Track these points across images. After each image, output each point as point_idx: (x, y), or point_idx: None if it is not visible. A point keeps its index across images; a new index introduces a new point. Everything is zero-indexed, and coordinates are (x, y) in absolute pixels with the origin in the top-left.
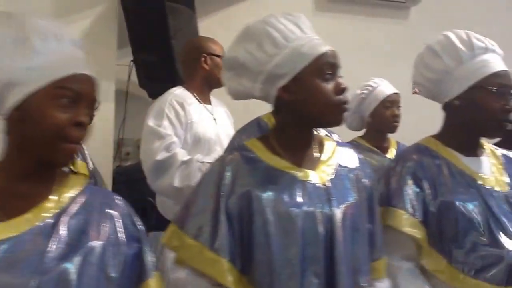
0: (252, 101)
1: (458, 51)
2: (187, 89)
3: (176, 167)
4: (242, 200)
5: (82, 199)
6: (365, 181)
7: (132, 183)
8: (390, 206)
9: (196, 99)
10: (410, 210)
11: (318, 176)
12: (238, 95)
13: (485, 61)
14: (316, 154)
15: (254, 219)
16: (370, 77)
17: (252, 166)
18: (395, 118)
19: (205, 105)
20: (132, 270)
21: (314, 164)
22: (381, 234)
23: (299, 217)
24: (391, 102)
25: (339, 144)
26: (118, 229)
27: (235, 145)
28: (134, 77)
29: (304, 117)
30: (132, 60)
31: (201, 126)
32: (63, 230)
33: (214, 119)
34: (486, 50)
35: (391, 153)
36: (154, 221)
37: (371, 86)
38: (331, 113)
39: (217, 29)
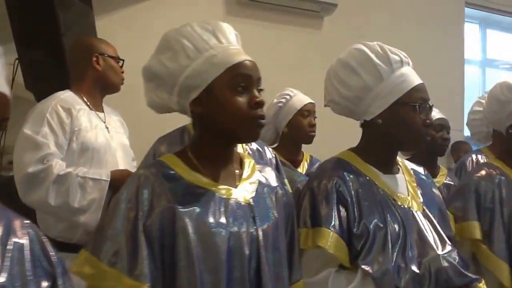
0: None
1: (377, 67)
2: (76, 93)
3: (50, 182)
4: (164, 219)
5: None
6: (285, 199)
7: (14, 196)
8: (316, 225)
9: (86, 105)
10: (337, 229)
11: (241, 194)
12: (158, 108)
13: (404, 75)
14: (236, 171)
15: (177, 240)
16: (282, 85)
17: (171, 183)
18: (313, 127)
19: (97, 112)
20: None
21: (235, 181)
22: (298, 255)
23: (225, 238)
24: (308, 111)
25: (256, 161)
26: (26, 262)
27: (151, 160)
28: (19, 78)
29: (217, 131)
30: (17, 58)
31: (91, 134)
32: None
33: (107, 127)
34: (402, 63)
35: (303, 167)
36: None
37: (288, 95)
38: (244, 127)
39: (117, 28)
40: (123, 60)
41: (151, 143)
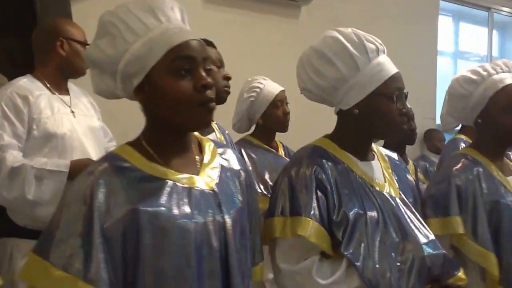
0: None
1: (354, 58)
2: (38, 77)
3: (4, 174)
4: (126, 221)
5: None
6: (248, 181)
7: None
8: (295, 214)
9: (49, 89)
10: (317, 218)
11: (204, 181)
12: (106, 95)
13: (380, 65)
14: (196, 157)
15: (142, 238)
16: (257, 74)
17: (127, 178)
18: (287, 116)
19: (61, 96)
20: None
21: (196, 168)
22: (259, 237)
23: (191, 230)
24: (280, 101)
25: (216, 144)
26: None
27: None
28: None
29: (164, 120)
30: None
31: (53, 120)
32: None
33: (72, 112)
34: (378, 52)
35: (281, 153)
36: (1, 225)
37: (258, 87)
38: (191, 114)
39: (92, 13)
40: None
41: (127, 126)
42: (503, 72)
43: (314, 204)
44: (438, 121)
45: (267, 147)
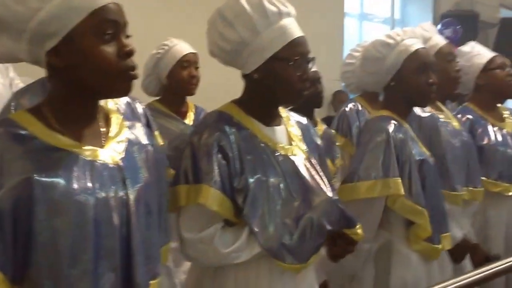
0: None
1: (252, 20)
2: None
3: None
4: (17, 192)
5: None
6: (156, 157)
7: None
8: (197, 181)
9: None
10: (218, 185)
11: (108, 154)
12: (2, 58)
13: (281, 29)
14: (102, 129)
15: (35, 212)
16: (167, 36)
17: (24, 146)
18: (192, 79)
19: None
20: None
21: (101, 140)
22: (168, 216)
23: (91, 206)
24: (188, 62)
25: (125, 117)
26: None
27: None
28: None
29: (81, 87)
30: None
31: None
32: None
33: None
34: (280, 15)
35: (190, 118)
36: None
37: (167, 45)
38: (114, 81)
39: None
40: None
41: None
42: (411, 38)
43: (216, 172)
44: None
45: (172, 113)
